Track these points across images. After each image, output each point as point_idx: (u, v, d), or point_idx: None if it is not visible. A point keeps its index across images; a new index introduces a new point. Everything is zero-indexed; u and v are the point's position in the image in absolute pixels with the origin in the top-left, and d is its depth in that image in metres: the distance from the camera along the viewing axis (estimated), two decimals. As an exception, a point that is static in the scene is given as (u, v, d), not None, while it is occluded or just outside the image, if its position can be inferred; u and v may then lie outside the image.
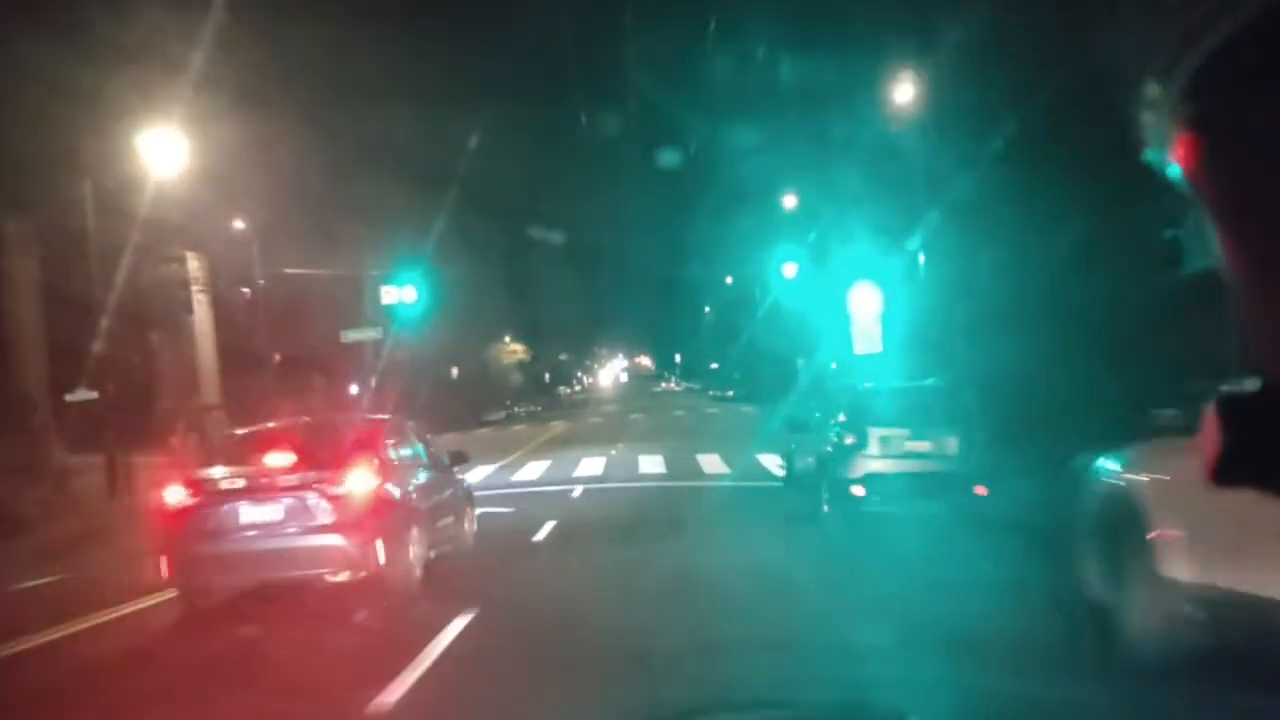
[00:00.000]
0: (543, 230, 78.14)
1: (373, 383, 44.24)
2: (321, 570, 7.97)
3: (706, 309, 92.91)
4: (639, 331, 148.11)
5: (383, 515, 8.16)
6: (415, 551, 8.51)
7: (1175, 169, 0.85)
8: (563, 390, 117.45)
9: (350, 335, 42.60)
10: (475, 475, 19.79)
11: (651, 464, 22.52)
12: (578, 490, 17.91)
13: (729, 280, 71.63)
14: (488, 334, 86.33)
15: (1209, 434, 0.82)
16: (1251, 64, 0.77)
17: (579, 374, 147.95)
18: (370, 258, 42.35)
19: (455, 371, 66.74)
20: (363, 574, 7.93)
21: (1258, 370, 0.81)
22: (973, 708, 3.08)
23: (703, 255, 79.43)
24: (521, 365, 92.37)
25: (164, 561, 8.00)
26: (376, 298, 42.14)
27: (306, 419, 11.10)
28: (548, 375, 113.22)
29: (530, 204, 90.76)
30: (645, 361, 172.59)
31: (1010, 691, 4.12)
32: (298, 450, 8.34)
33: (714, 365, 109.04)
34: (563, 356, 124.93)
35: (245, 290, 34.32)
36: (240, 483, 8.09)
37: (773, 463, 21.16)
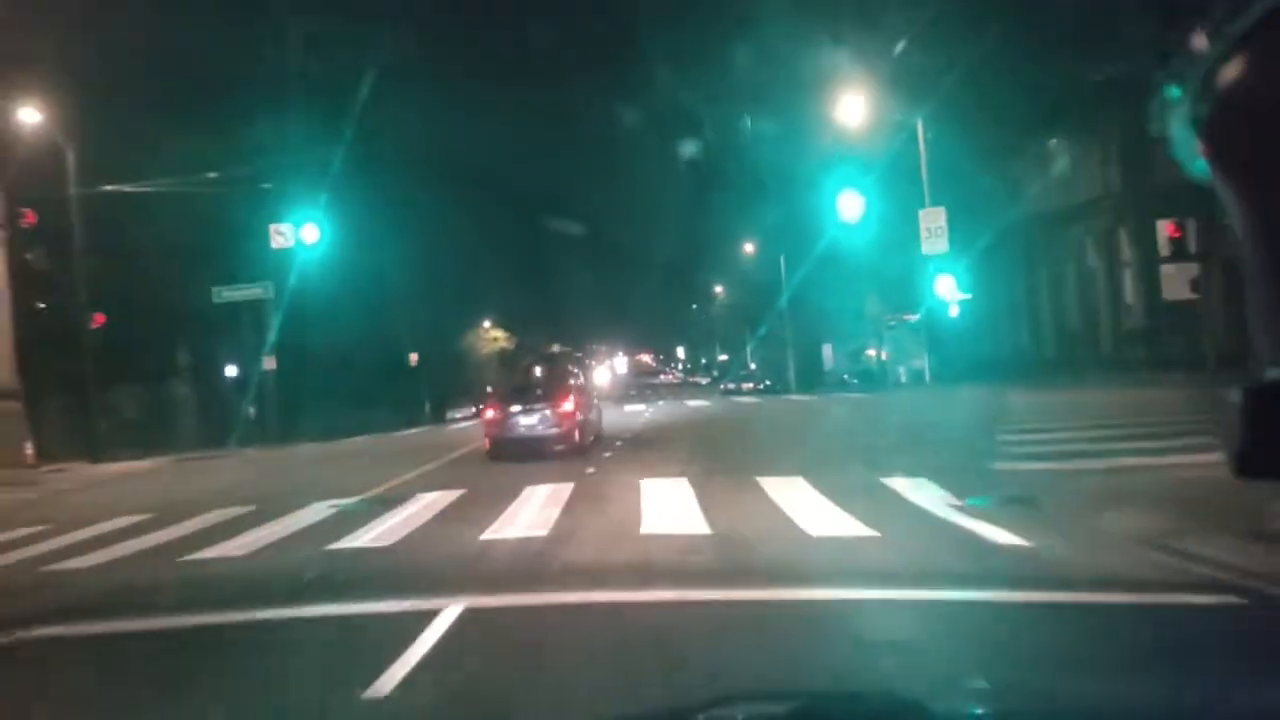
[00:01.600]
0: (555, 220, 68.65)
1: (269, 363, 31.67)
2: (553, 444, 16.64)
3: (718, 289, 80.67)
4: (641, 329, 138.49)
5: (577, 420, 17.09)
6: (589, 436, 17.89)
7: (1201, 166, 0.85)
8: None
9: (226, 293, 30.24)
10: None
11: (669, 503, 10.00)
12: (437, 628, 5.35)
13: (749, 249, 59.28)
14: (465, 318, 74.38)
15: (1232, 426, 0.81)
16: (1262, 62, 0.78)
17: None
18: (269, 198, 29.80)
19: (414, 358, 54.31)
20: (569, 446, 16.66)
21: (1275, 362, 0.80)
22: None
23: (714, 243, 68.97)
24: (504, 355, 79.86)
25: (486, 440, 17.35)
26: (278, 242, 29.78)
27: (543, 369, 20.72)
28: (537, 370, 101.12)
29: (526, 190, 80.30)
30: (646, 359, 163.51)
31: None
32: (540, 390, 17.80)
33: (723, 357, 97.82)
34: (555, 348, 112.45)
35: (26, 211, 21.81)
36: (518, 406, 17.13)
37: (930, 498, 9.22)
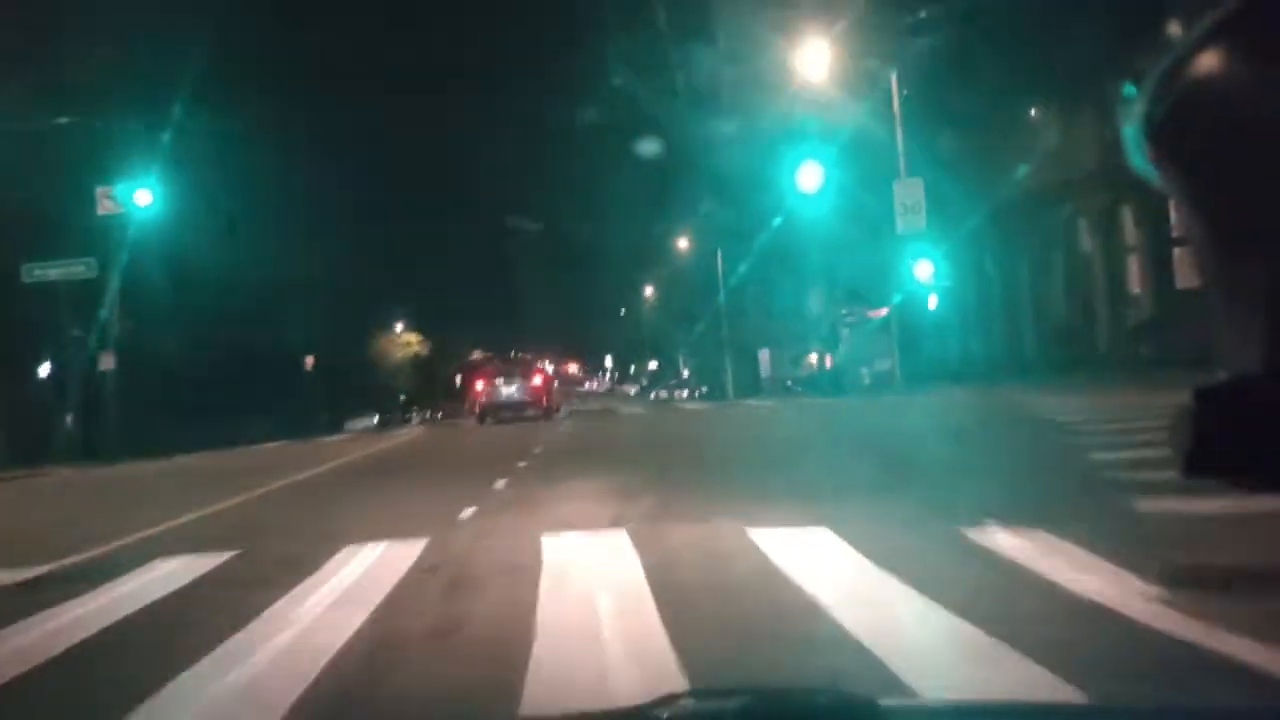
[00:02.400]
0: (479, 222, 63.79)
1: (106, 361, 25.81)
2: (527, 410, 24.40)
3: (648, 290, 76.07)
4: (568, 338, 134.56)
5: (547, 392, 25.40)
6: (554, 405, 26.50)
7: (1153, 172, 0.84)
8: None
9: (38, 271, 24.30)
10: None
11: (594, 599, 4.89)
12: None
13: (683, 245, 54.44)
14: (375, 321, 68.53)
15: (1181, 426, 0.82)
16: (1217, 67, 0.77)
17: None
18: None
19: (309, 361, 48.33)
20: (539, 411, 24.37)
21: (1227, 363, 0.81)
22: None
23: (647, 244, 64.35)
24: (419, 361, 74.05)
25: (476, 407, 26.29)
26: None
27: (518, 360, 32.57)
28: (459, 377, 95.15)
29: (449, 187, 74.75)
30: (573, 368, 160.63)
31: None
32: (518, 369, 27.24)
33: (653, 364, 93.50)
34: (476, 355, 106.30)
35: None
36: (501, 380, 25.36)
37: (1094, 578, 5.06)
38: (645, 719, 1.61)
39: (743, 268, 44.08)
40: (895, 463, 9.71)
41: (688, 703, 1.75)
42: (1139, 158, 0.85)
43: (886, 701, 1.79)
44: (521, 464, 12.19)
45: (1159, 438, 9.52)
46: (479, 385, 26.37)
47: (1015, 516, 6.78)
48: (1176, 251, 24.03)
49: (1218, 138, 0.78)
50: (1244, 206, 0.78)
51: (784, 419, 20.02)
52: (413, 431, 27.99)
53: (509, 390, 25.06)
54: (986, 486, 7.99)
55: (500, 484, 10.11)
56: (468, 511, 8.18)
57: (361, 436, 28.70)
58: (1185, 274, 24.07)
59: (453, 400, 71.10)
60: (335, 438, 26.73)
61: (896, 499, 7.64)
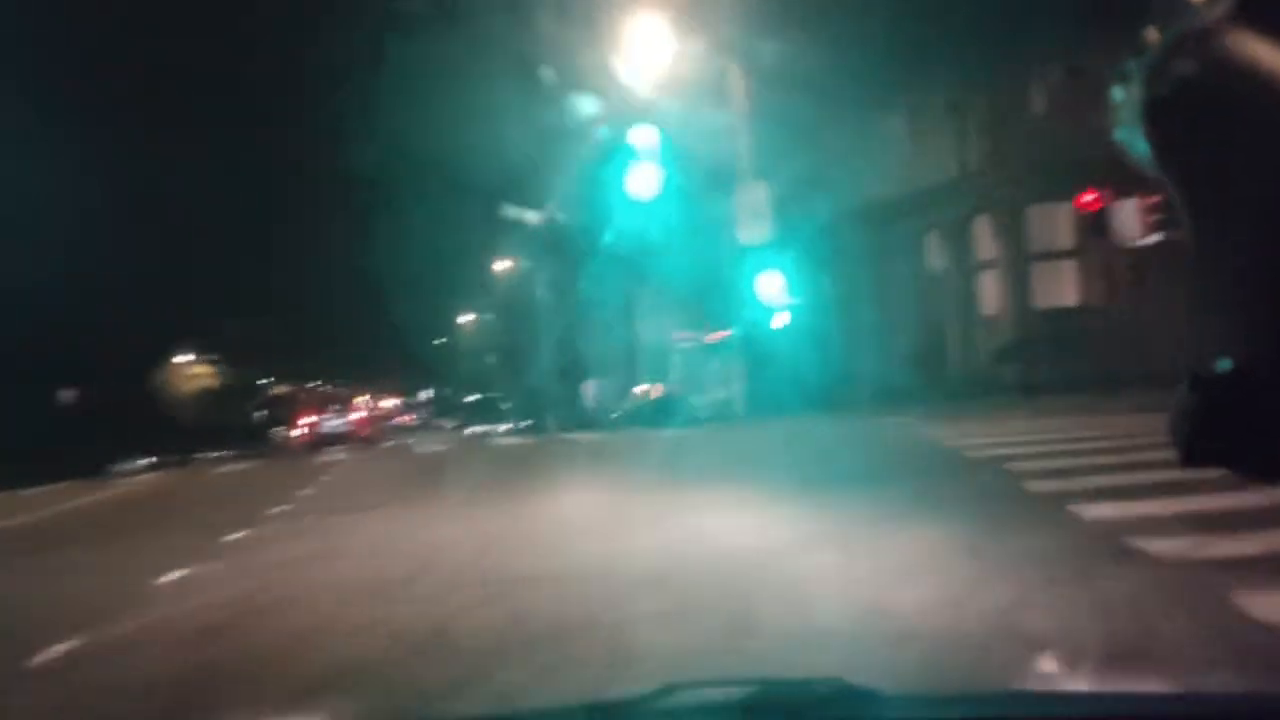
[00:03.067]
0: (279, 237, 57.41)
1: None
2: (352, 438, 29.21)
3: (468, 319, 71.88)
4: (384, 372, 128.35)
5: (369, 423, 33.75)
6: (376, 433, 33.07)
7: (1144, 147, 0.83)
8: (279, 431, 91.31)
9: None
10: None
11: None
12: None
13: (503, 267, 50.61)
14: (158, 349, 61.52)
15: (1180, 416, 0.82)
16: (1221, 46, 0.76)
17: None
18: None
19: (69, 394, 41.85)
20: (363, 438, 29.63)
21: (1223, 353, 0.80)
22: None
23: (464, 267, 60.13)
24: (210, 394, 67.24)
25: (307, 435, 30.08)
26: None
27: (339, 394, 39.36)
28: (265, 411, 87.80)
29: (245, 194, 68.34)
30: (387, 403, 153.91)
31: None
32: (340, 402, 35.81)
33: (472, 396, 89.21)
34: (281, 390, 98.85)
35: None
36: (328, 414, 31.74)
37: None
38: (651, 709, 1.61)
39: (569, 290, 41.14)
40: (810, 537, 6.38)
41: (693, 692, 1.75)
42: (1128, 134, 0.82)
43: (887, 690, 1.76)
44: (239, 534, 8.10)
45: (1140, 483, 6.46)
46: (306, 418, 30.71)
47: (1079, 647, 3.65)
48: (1039, 266, 22.33)
49: (1226, 119, 0.75)
50: (1247, 189, 0.75)
51: (627, 460, 16.20)
52: (156, 477, 23.35)
53: (335, 423, 30.09)
54: (983, 577, 4.80)
55: (176, 575, 6.16)
56: (58, 648, 4.35)
57: (102, 484, 23.80)
58: (1046, 292, 22.37)
59: (252, 437, 64.50)
60: (62, 485, 21.60)
61: (850, 618, 4.33)
